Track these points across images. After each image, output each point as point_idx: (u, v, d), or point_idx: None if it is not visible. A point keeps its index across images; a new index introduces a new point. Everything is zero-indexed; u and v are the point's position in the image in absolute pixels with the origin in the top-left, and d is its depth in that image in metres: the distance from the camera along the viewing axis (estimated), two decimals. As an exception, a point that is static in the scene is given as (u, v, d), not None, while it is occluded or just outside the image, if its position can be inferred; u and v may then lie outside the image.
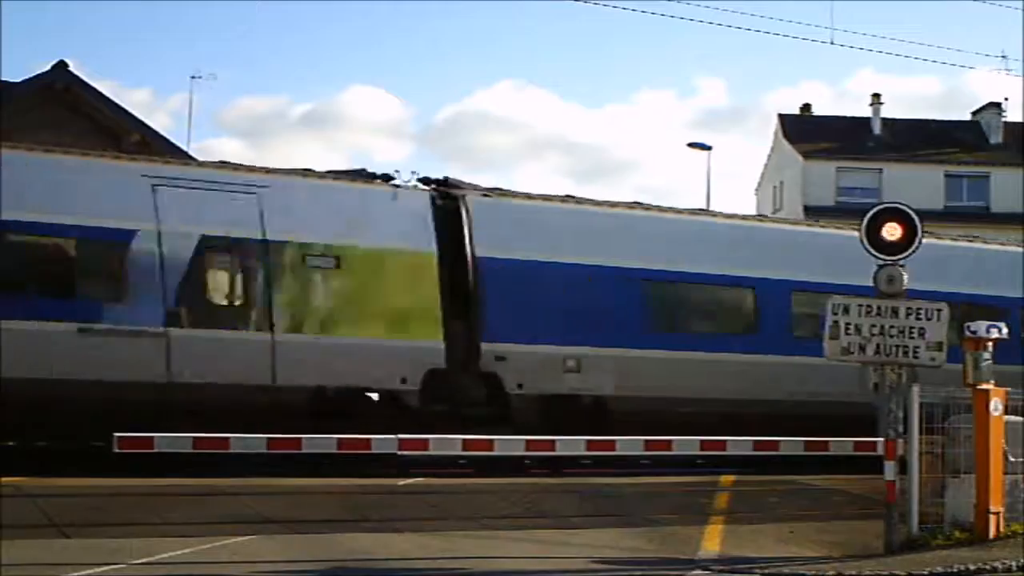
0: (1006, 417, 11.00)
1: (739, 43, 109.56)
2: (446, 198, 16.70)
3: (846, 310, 10.66)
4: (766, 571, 9.58)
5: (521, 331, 16.21)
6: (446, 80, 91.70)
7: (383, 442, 10.87)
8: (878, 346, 10.54)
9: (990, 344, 11.06)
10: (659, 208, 18.46)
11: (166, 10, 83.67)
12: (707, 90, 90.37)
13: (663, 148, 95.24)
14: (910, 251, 10.74)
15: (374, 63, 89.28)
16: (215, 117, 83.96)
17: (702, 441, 11.92)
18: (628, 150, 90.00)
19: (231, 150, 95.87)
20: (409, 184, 16.75)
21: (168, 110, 68.91)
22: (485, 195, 17.07)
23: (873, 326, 10.56)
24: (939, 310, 10.53)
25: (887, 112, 47.58)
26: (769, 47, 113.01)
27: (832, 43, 43.51)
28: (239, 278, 15.43)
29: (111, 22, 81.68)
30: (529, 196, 17.56)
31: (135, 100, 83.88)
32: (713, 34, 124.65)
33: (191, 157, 21.74)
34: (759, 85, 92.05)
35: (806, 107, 49.67)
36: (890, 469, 10.38)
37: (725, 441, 11.84)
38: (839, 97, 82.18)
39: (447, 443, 11.48)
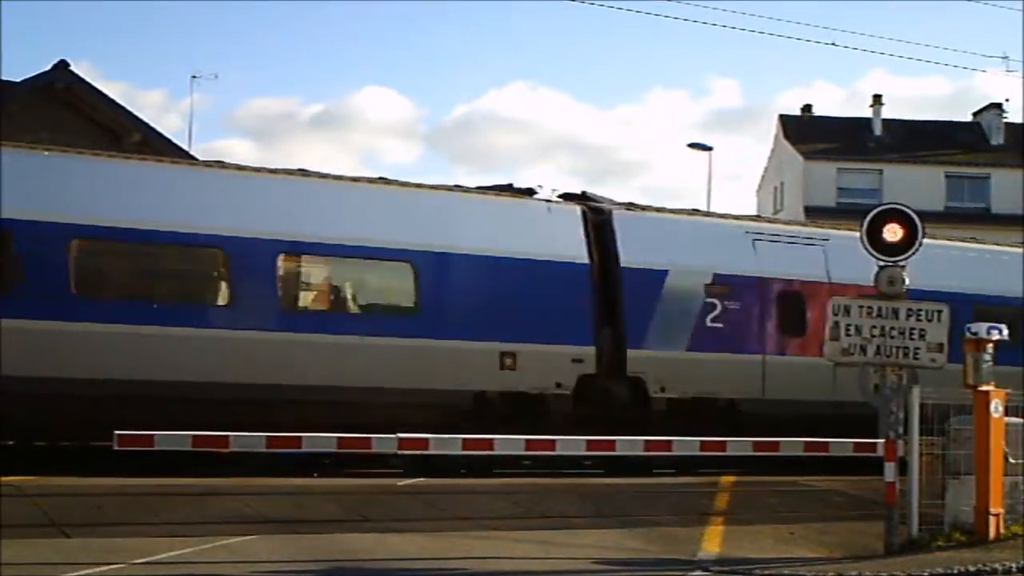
0: (1006, 419, 11.01)
1: (753, 44, 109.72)
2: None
3: (847, 311, 10.65)
4: (766, 572, 9.57)
5: None
6: (458, 81, 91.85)
7: (383, 442, 10.86)
8: (879, 347, 10.54)
9: (990, 345, 11.06)
10: None
11: (178, 11, 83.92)
12: (720, 91, 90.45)
13: (674, 149, 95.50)
14: (911, 252, 10.74)
15: (385, 64, 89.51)
16: (227, 118, 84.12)
17: (702, 442, 11.91)
18: (638, 151, 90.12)
19: (240, 151, 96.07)
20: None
21: (181, 111, 69.25)
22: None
23: (874, 327, 10.56)
24: (939, 311, 10.53)
25: (895, 113, 47.66)
26: (783, 48, 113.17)
27: (834, 44, 43.52)
28: None
29: (124, 24, 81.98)
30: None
31: (149, 101, 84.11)
32: (727, 35, 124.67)
33: (194, 158, 21.77)
34: (772, 86, 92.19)
35: (807, 108, 49.68)
36: (890, 470, 10.37)
37: (725, 442, 11.83)
38: (850, 98, 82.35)
39: (447, 443, 11.46)
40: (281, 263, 15.00)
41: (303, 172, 15.84)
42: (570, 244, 16.44)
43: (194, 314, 14.70)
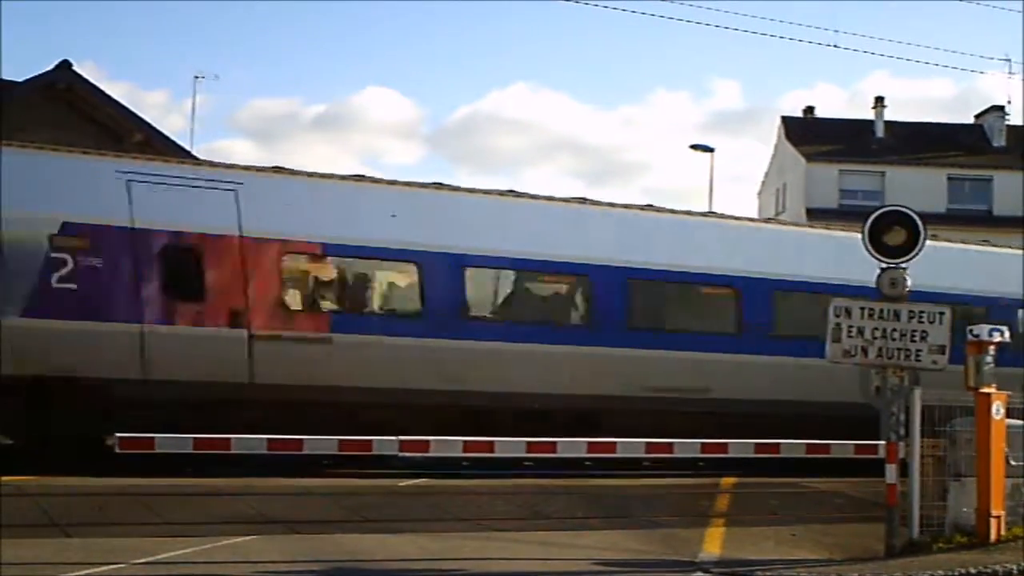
0: (1007, 420, 11.00)
1: (755, 45, 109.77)
2: None
3: (848, 312, 10.64)
4: (767, 573, 9.58)
5: None
6: (460, 82, 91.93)
7: (384, 443, 10.88)
8: (880, 349, 10.53)
9: (992, 347, 11.06)
10: None
11: (181, 12, 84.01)
12: (722, 92, 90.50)
13: (675, 150, 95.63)
14: (913, 254, 10.73)
15: (387, 65, 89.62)
16: (228, 118, 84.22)
17: (703, 443, 11.93)
18: (640, 152, 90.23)
19: (241, 151, 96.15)
20: None
21: (184, 111, 69.51)
22: None
23: (875, 329, 10.54)
24: (941, 313, 10.52)
25: (897, 115, 47.62)
26: (785, 50, 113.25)
27: (836, 46, 43.55)
28: None
29: (128, 24, 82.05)
30: None
31: (152, 101, 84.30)
32: (729, 36, 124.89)
33: (195, 158, 21.77)
34: (774, 88, 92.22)
35: (809, 109, 49.67)
36: (891, 472, 10.36)
37: (727, 444, 11.84)
38: (852, 99, 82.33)
39: (448, 444, 11.47)
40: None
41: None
42: None
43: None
